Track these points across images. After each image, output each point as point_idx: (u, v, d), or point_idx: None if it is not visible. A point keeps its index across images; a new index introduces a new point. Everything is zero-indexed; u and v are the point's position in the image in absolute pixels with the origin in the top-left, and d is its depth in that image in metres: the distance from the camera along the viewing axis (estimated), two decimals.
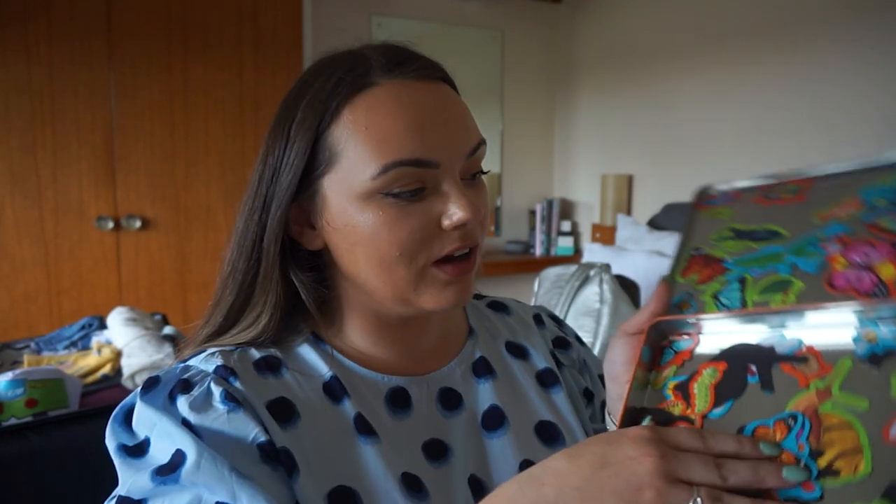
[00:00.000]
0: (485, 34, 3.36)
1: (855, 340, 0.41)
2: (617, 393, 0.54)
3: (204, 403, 0.49)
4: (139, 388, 0.53)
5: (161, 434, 0.49)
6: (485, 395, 0.61)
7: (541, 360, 0.67)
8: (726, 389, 0.44)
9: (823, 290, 0.46)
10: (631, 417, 0.46)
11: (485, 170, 0.57)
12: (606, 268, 1.96)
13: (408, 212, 0.51)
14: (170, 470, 0.46)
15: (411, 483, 0.52)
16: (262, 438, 0.48)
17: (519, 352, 0.67)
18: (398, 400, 0.57)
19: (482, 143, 0.55)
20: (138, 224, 2.54)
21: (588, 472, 0.37)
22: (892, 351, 0.40)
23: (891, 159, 0.53)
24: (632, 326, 0.53)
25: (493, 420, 0.59)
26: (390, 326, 0.58)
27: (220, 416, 0.49)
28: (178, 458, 0.46)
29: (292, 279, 0.56)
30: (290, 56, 2.75)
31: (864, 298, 0.43)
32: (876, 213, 0.49)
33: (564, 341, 0.72)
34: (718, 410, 0.43)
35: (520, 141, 3.50)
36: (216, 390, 0.50)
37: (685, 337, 0.49)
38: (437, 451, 0.55)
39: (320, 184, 0.53)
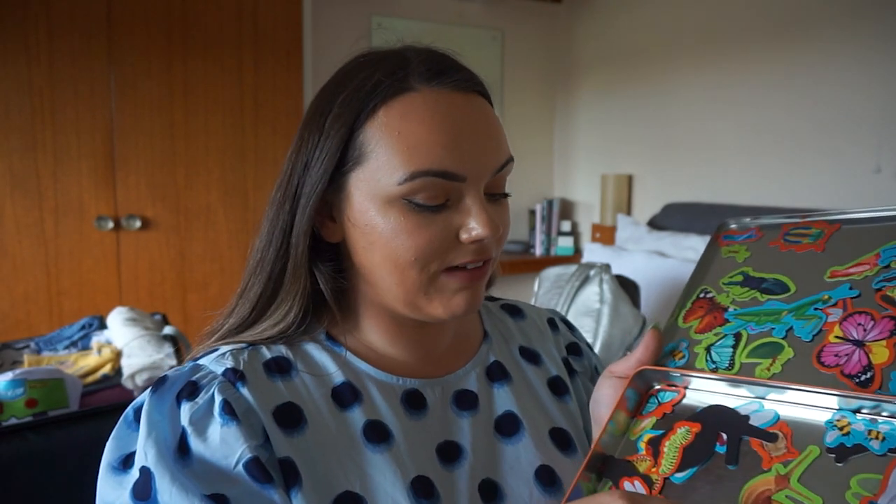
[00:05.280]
0: (485, 34, 3.36)
1: (828, 425, 0.41)
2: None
3: (205, 415, 0.49)
4: (151, 388, 0.53)
5: (150, 444, 0.49)
6: (501, 399, 0.61)
7: (552, 367, 0.67)
8: (693, 454, 0.44)
9: (810, 365, 0.45)
10: (596, 462, 0.46)
11: (508, 192, 0.57)
12: (606, 268, 1.96)
13: (428, 220, 0.51)
14: (145, 493, 0.47)
15: (422, 488, 0.51)
16: (249, 455, 0.48)
17: (532, 357, 0.67)
18: (413, 402, 0.57)
19: (510, 160, 0.55)
20: (138, 224, 2.54)
21: None
22: (860, 447, 0.39)
23: None
24: (620, 369, 0.53)
25: (509, 426, 0.59)
26: (406, 327, 0.58)
27: (214, 431, 0.49)
28: (150, 481, 0.47)
29: (315, 272, 0.56)
30: (290, 56, 2.75)
31: (847, 381, 0.43)
32: (888, 278, 0.47)
33: (578, 348, 0.72)
34: (681, 475, 0.43)
35: (520, 141, 3.50)
36: (218, 398, 0.50)
37: (672, 389, 0.49)
38: (450, 453, 0.55)
39: (346, 180, 0.53)
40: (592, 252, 2.71)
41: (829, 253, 0.53)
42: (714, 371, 0.49)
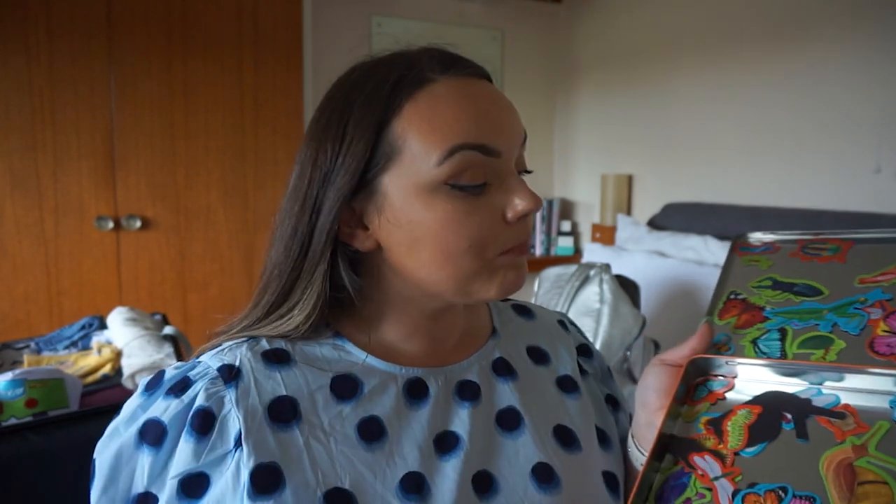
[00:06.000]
0: (485, 34, 3.36)
1: (892, 403, 0.42)
2: (645, 419, 0.56)
3: (178, 421, 0.51)
4: (145, 385, 0.55)
5: (114, 444, 0.52)
6: (504, 394, 0.61)
7: (562, 366, 0.67)
8: (760, 431, 0.45)
9: (865, 353, 0.47)
10: (663, 444, 0.47)
11: (531, 168, 0.59)
12: (606, 268, 1.96)
13: (475, 205, 0.52)
14: (90, 477, 0.53)
15: (413, 485, 0.52)
16: (191, 471, 0.50)
17: (540, 356, 0.67)
18: (415, 390, 0.57)
19: (526, 135, 0.57)
20: (138, 224, 2.54)
21: None
22: None
23: None
24: (670, 358, 0.54)
25: (509, 421, 0.59)
26: (424, 321, 0.59)
27: (176, 439, 0.51)
28: (92, 471, 0.52)
29: (334, 280, 0.56)
30: (290, 56, 2.75)
31: None
32: None
33: (588, 349, 0.72)
34: (752, 450, 0.44)
35: None
36: (196, 404, 0.51)
37: (720, 378, 0.50)
38: (446, 442, 0.55)
39: (379, 182, 0.53)
40: (592, 252, 2.71)
41: (852, 264, 0.56)
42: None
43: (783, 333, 0.52)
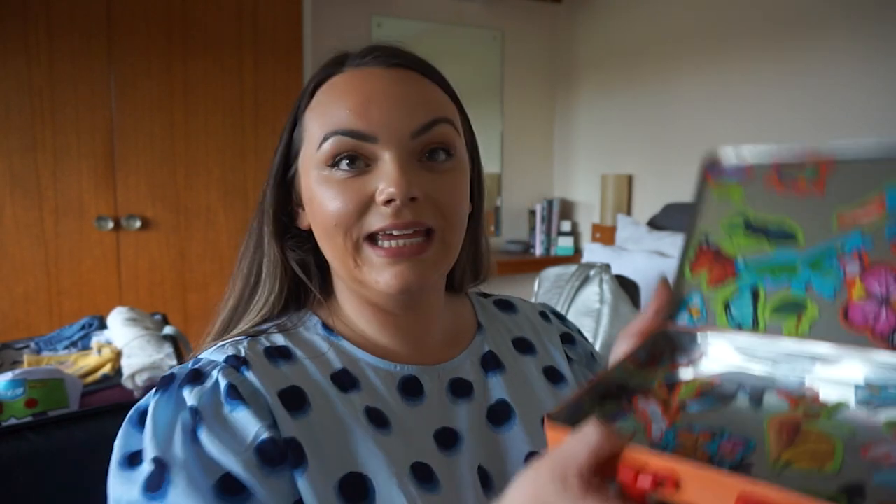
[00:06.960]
0: (485, 34, 3.36)
1: (856, 388, 0.42)
2: None
3: (211, 400, 0.50)
4: (156, 387, 0.54)
5: (159, 439, 0.49)
6: (494, 388, 0.62)
7: (548, 357, 0.68)
8: (714, 394, 0.44)
9: (837, 324, 0.44)
10: (603, 389, 0.45)
11: (452, 152, 0.56)
12: (606, 268, 1.96)
13: (346, 186, 0.54)
14: (157, 486, 0.47)
15: (423, 473, 0.52)
16: (264, 436, 0.48)
17: (526, 347, 0.68)
18: (410, 388, 0.58)
19: (439, 120, 0.55)
20: (138, 224, 2.54)
21: None
22: (891, 404, 0.39)
23: None
24: (636, 327, 0.53)
25: (501, 414, 0.60)
26: (391, 315, 0.59)
27: (220, 415, 0.49)
28: (163, 473, 0.47)
29: (290, 257, 0.61)
30: (290, 56, 2.75)
31: (878, 341, 0.42)
32: None
33: (570, 337, 0.73)
34: (699, 406, 0.43)
35: (520, 141, 3.50)
36: (223, 383, 0.51)
37: (687, 351, 0.49)
38: (447, 439, 0.56)
39: (297, 165, 0.59)
40: (592, 252, 2.71)
41: (831, 194, 0.50)
42: (738, 330, 0.48)
43: (755, 296, 0.49)
